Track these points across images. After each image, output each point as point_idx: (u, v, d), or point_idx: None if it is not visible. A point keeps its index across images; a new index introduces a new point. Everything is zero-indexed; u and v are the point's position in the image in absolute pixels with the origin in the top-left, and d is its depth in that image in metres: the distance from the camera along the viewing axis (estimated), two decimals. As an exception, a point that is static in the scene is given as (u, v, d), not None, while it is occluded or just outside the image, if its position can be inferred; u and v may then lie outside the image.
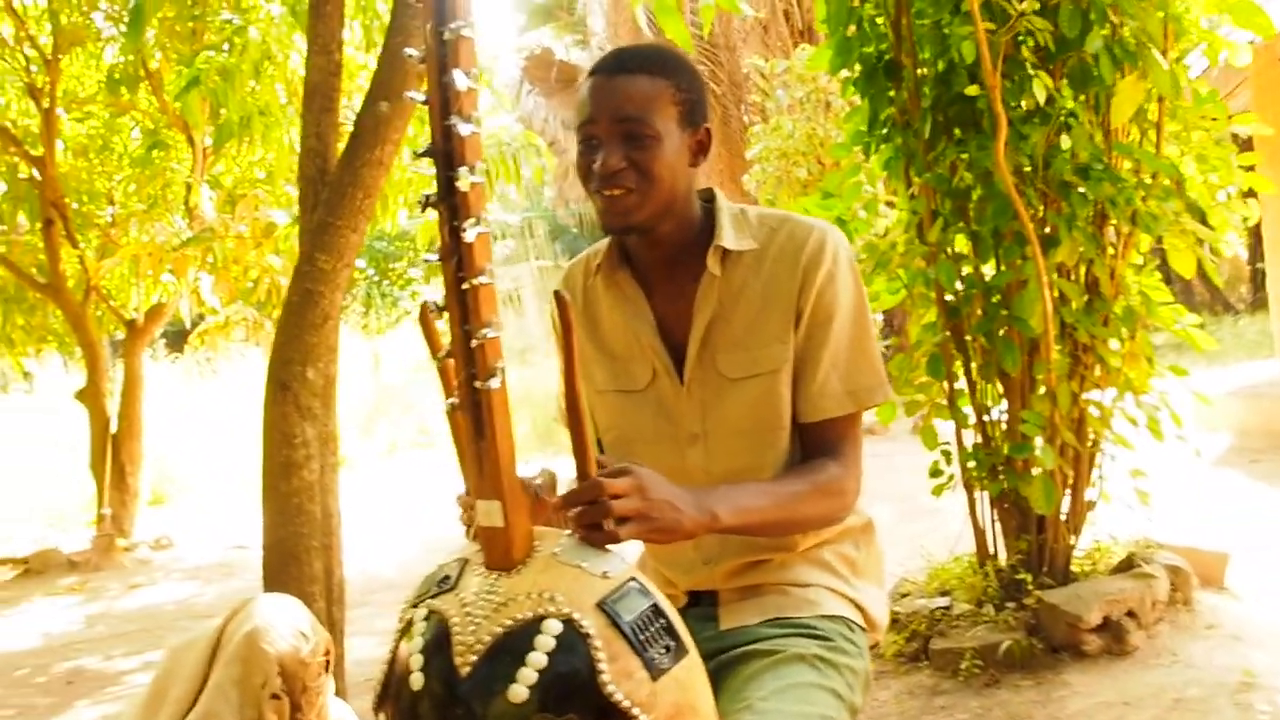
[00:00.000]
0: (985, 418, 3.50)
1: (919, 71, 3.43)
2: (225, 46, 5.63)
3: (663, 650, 1.18)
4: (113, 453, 7.50)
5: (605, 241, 1.68)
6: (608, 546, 1.26)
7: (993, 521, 3.56)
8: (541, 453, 10.45)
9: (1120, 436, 3.51)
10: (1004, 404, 3.50)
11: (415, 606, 1.27)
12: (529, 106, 16.37)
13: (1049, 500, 3.23)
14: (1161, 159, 3.23)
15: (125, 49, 6.76)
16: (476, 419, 1.21)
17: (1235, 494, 5.44)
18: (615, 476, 1.27)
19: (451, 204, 1.18)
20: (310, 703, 1.49)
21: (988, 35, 2.98)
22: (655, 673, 1.16)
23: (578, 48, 16.90)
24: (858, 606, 1.60)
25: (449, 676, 1.17)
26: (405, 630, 1.26)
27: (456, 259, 1.19)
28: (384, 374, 13.65)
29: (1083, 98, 3.27)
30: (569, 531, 1.28)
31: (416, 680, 1.19)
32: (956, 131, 3.43)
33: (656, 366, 1.61)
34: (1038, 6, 3.00)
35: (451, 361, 1.22)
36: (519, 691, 1.12)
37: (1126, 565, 3.49)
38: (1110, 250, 3.38)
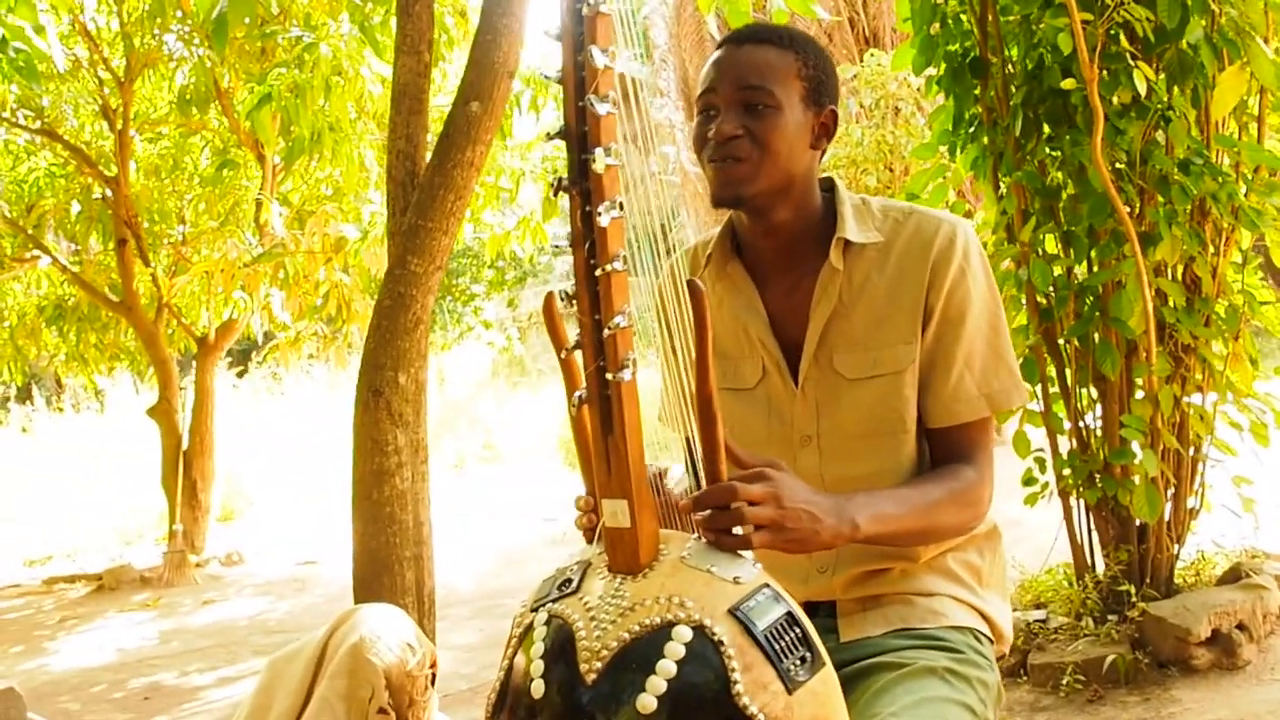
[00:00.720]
0: (1080, 423, 3.39)
1: (1006, 68, 3.34)
2: (296, 63, 5.66)
3: (798, 661, 1.11)
4: (184, 469, 7.56)
5: (716, 231, 1.61)
6: (739, 552, 1.19)
7: (1088, 531, 3.44)
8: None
9: (1222, 442, 3.38)
10: (1098, 409, 3.39)
11: (535, 610, 1.21)
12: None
13: (1153, 508, 3.11)
14: (1265, 152, 3.11)
15: (196, 70, 6.84)
16: (605, 413, 1.15)
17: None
18: (751, 480, 1.20)
19: (584, 188, 1.13)
20: (416, 717, 1.43)
21: (1084, 27, 2.88)
22: (791, 685, 1.09)
23: (637, 62, 16.84)
24: (984, 617, 1.52)
25: (573, 685, 1.11)
26: (524, 636, 1.20)
27: (589, 245, 1.13)
28: (449, 390, 13.70)
29: (1180, 90, 3.15)
30: (696, 535, 1.21)
31: (537, 688, 1.13)
32: (1046, 128, 3.33)
33: (768, 364, 1.54)
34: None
35: (578, 354, 1.17)
36: (647, 702, 1.06)
37: (1233, 576, 3.35)
38: (1211, 248, 3.25)
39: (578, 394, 1.18)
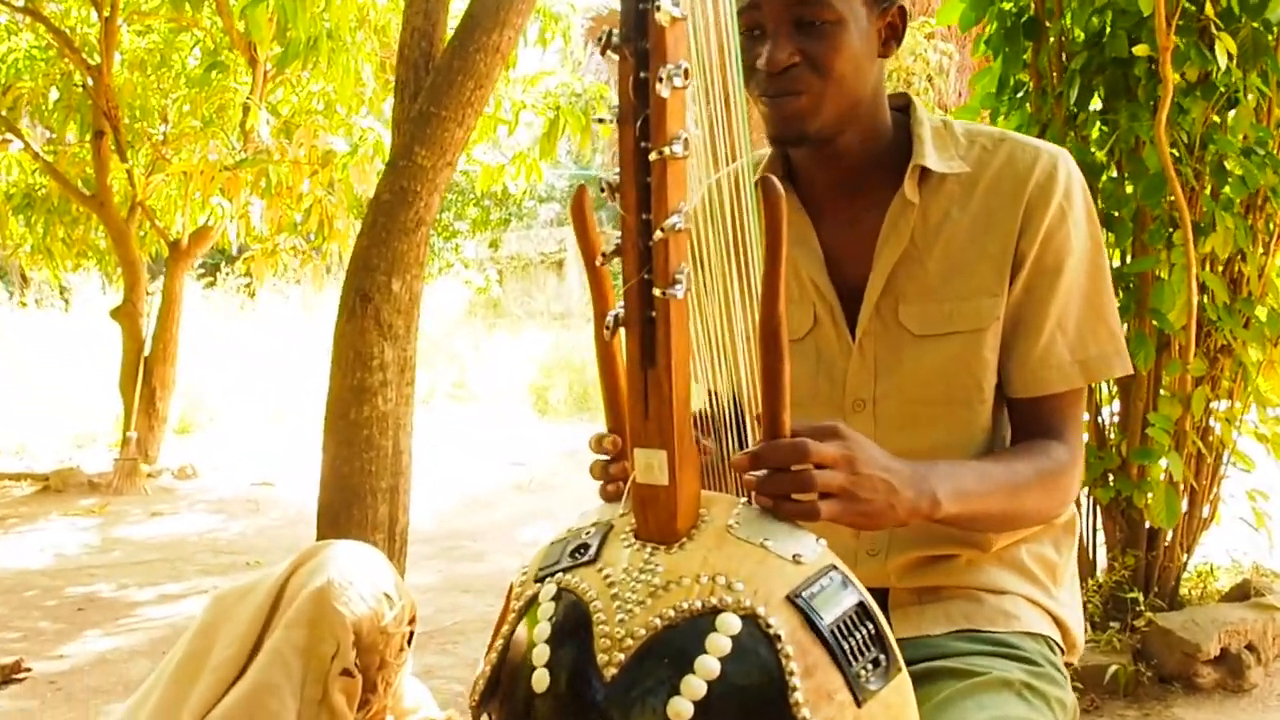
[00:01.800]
0: (1098, 418, 3.18)
1: (1063, 33, 3.10)
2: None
3: (870, 665, 0.89)
4: (144, 375, 7.27)
5: (764, 151, 1.37)
6: (798, 523, 0.97)
7: (1093, 531, 3.26)
8: (578, 419, 10.21)
9: (1242, 454, 3.19)
10: (1116, 404, 3.19)
11: (540, 581, 0.98)
12: (590, 70, 16.04)
13: (1171, 514, 2.92)
14: (1337, 148, 2.89)
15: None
16: (648, 339, 0.92)
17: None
18: (821, 438, 0.98)
19: (641, 46, 0.89)
20: (387, 682, 1.19)
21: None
22: (861, 695, 0.87)
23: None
24: (1058, 623, 1.30)
25: (587, 677, 0.88)
26: (525, 611, 0.97)
27: (641, 121, 0.89)
28: (423, 323, 13.41)
29: (1248, 73, 2.92)
30: (745, 499, 0.99)
31: (540, 679, 0.90)
32: (1096, 100, 3.10)
33: (819, 312, 1.30)
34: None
35: (614, 265, 0.94)
36: (682, 708, 0.84)
37: (1241, 593, 3.18)
38: (1260, 247, 3.05)
39: (612, 313, 0.95)
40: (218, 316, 11.62)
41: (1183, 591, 3.23)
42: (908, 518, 1.03)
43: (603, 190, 0.92)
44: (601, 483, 1.06)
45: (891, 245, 1.26)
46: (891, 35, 1.24)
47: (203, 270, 12.65)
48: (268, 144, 6.45)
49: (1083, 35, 3.08)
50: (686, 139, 0.88)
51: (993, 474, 1.15)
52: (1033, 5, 3.16)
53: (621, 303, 0.93)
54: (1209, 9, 2.71)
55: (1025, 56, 3.22)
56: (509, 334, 13.32)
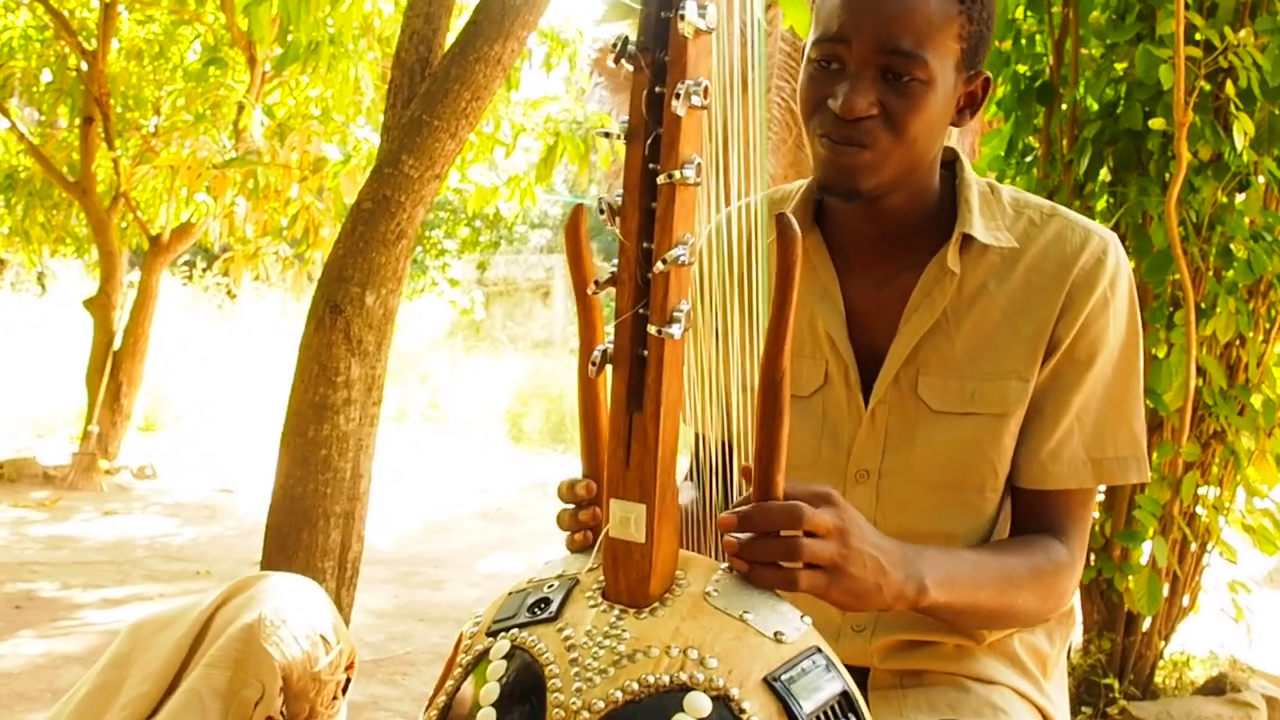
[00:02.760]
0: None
1: (1078, 100, 3.04)
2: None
3: (853, 766, 0.80)
4: (111, 369, 7.11)
5: (795, 185, 1.28)
6: (778, 593, 0.87)
7: (1069, 612, 3.16)
8: (552, 450, 10.08)
9: (1226, 544, 3.11)
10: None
11: (493, 634, 0.88)
12: (594, 99, 16.04)
13: (1153, 600, 2.82)
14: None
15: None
16: (637, 380, 0.83)
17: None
18: (815, 505, 0.88)
19: (659, 58, 0.80)
20: None
21: (1187, 64, 2.57)
22: (837, 794, 0.78)
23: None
24: (1045, 719, 1.20)
25: (535, 750, 0.79)
26: (475, 666, 0.87)
27: (652, 139, 0.80)
28: (401, 339, 13.28)
29: (1262, 156, 2.87)
30: (724, 565, 0.89)
31: (482, 744, 0.80)
32: (1105, 170, 3.04)
33: (832, 371, 1.20)
34: (1253, 39, 2.60)
35: (605, 296, 0.85)
36: (639, 797, 0.74)
37: (1217, 686, 3.08)
38: (1261, 333, 2.98)
39: (600, 348, 0.85)
40: (195, 316, 11.47)
41: (1157, 680, 3.13)
42: (893, 602, 0.94)
43: (602, 213, 0.83)
44: (569, 531, 0.96)
45: (922, 313, 1.16)
46: (969, 104, 1.16)
47: (183, 268, 12.51)
48: (259, 145, 6.34)
49: (1096, 106, 3.02)
50: (700, 164, 0.79)
51: (985, 567, 1.06)
52: (1048, 70, 3.11)
53: (611, 337, 0.84)
54: (1229, 88, 2.65)
55: (1037, 121, 3.16)
56: (489, 358, 13.20)
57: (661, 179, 0.78)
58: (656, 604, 0.84)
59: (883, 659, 1.18)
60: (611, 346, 0.84)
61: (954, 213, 1.18)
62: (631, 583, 0.84)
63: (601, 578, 0.88)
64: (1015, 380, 1.14)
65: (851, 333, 1.20)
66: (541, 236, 22.63)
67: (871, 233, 1.19)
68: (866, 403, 1.18)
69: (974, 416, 1.15)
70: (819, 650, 0.83)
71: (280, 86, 7.29)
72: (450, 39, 2.60)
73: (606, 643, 0.82)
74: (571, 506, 0.95)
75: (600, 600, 0.86)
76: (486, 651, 0.87)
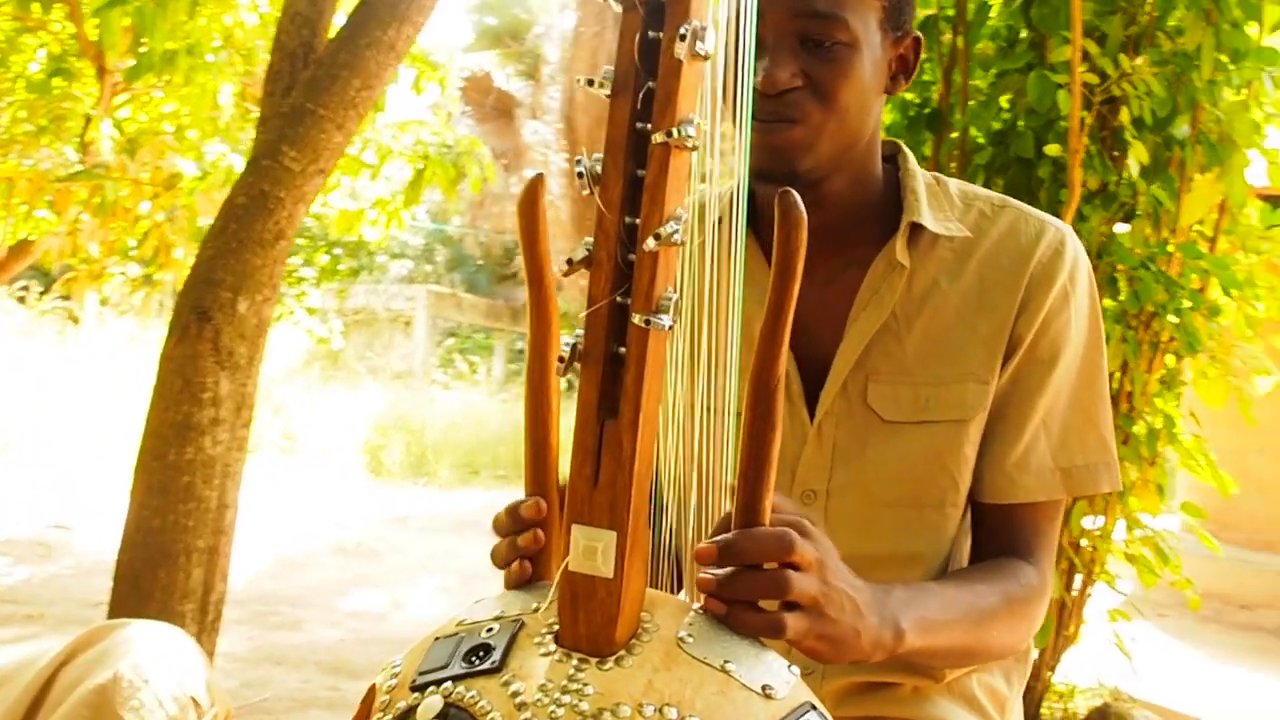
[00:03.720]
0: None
1: (968, 129, 3.04)
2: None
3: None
4: (-64, 396, 6.59)
5: (724, 188, 1.17)
6: (759, 639, 0.75)
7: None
8: (412, 483, 9.80)
9: (1107, 573, 3.12)
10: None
11: (419, 689, 0.73)
12: (460, 129, 15.85)
13: (1044, 632, 2.81)
14: (1228, 271, 2.88)
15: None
16: (610, 381, 0.70)
17: (1215, 654, 5.07)
18: (800, 533, 0.77)
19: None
20: None
21: (1083, 92, 2.58)
22: None
23: (519, 78, 16.48)
24: (1010, 763, 1.11)
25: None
26: (398, 723, 0.72)
27: (644, 93, 0.67)
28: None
29: (1152, 185, 2.90)
30: (697, 605, 0.77)
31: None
32: (993, 202, 3.04)
33: None
34: (1147, 65, 2.61)
35: (582, 278, 0.71)
36: None
37: (1100, 716, 3.08)
38: (1144, 363, 3.01)
39: (569, 341, 0.72)
40: (33, 341, 10.79)
41: (1044, 711, 3.12)
42: (870, 651, 0.83)
43: (580, 177, 0.69)
44: (507, 561, 0.81)
45: (870, 312, 1.07)
46: (901, 69, 1.09)
47: (19, 290, 11.77)
48: (108, 159, 5.98)
49: (981, 137, 3.03)
50: (699, 125, 0.67)
51: (956, 601, 0.96)
52: (936, 98, 3.11)
53: (579, 331, 0.71)
54: (1124, 115, 2.66)
55: (925, 150, 3.15)
56: (346, 388, 12.81)
57: (657, 138, 0.65)
58: (623, 652, 0.71)
59: (836, 704, 1.07)
60: (580, 340, 0.70)
61: (899, 205, 1.10)
62: (594, 626, 0.71)
63: (553, 619, 0.74)
64: (973, 383, 1.06)
65: (792, 339, 1.09)
66: (403, 266, 22.24)
67: (811, 225, 1.09)
68: (812, 416, 1.08)
69: (930, 425, 1.06)
70: (813, 708, 0.71)
71: (132, 100, 6.92)
72: (338, 22, 2.43)
73: (566, 699, 0.68)
74: (509, 537, 0.81)
75: (554, 647, 0.72)
76: (413, 710, 0.72)
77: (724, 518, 0.77)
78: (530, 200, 0.75)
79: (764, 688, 0.70)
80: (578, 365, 0.70)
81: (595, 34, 12.23)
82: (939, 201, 1.11)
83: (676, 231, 0.66)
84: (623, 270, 0.68)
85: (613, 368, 0.69)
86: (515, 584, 0.80)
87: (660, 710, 0.67)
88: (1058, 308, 1.06)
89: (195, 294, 2.22)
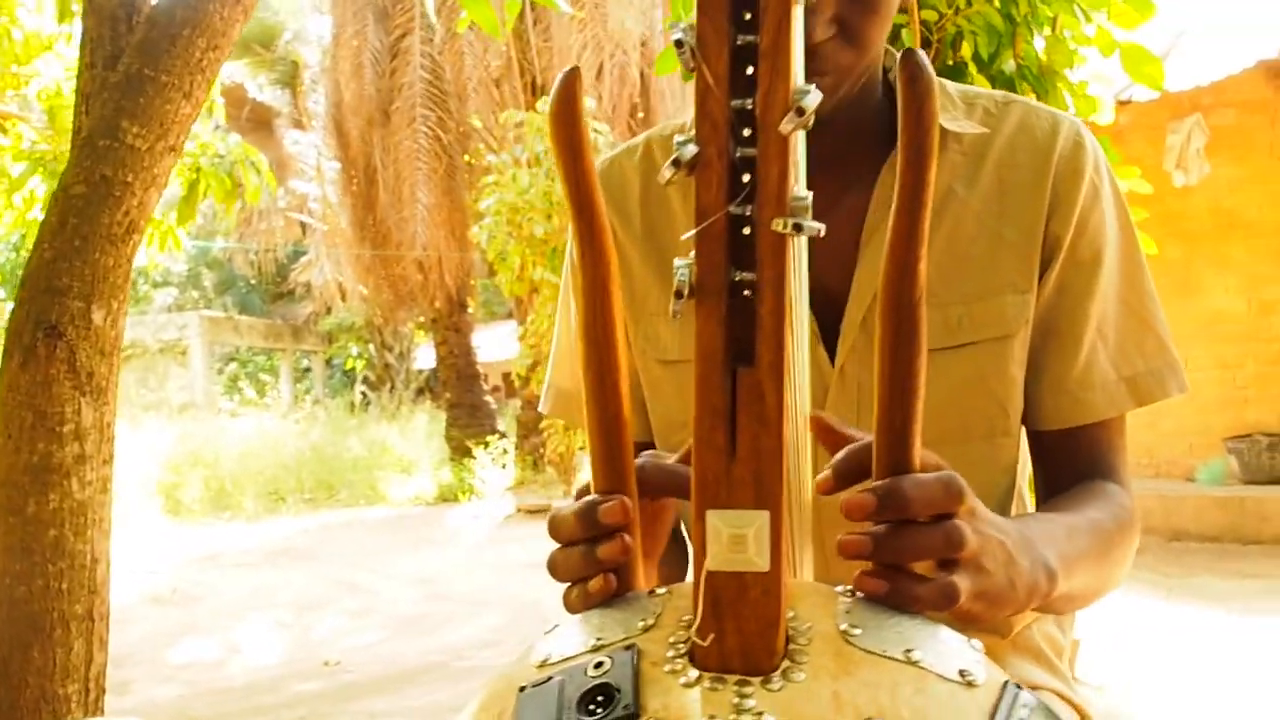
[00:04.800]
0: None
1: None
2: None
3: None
4: None
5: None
6: (926, 613, 0.60)
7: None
8: (215, 519, 9.24)
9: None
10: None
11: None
12: (235, 139, 15.14)
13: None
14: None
15: None
16: (741, 317, 0.53)
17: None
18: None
19: None
20: None
21: (922, 28, 2.54)
22: None
23: (275, 87, 15.79)
24: (1079, 712, 1.01)
25: None
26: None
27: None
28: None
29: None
30: (840, 587, 0.61)
31: None
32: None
33: None
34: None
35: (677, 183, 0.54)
36: None
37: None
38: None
39: (683, 266, 0.54)
40: None
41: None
42: (1025, 601, 0.70)
43: (679, 47, 0.52)
44: (582, 576, 0.63)
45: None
46: None
47: None
48: None
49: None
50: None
51: (1081, 532, 0.84)
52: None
53: (688, 259, 0.53)
54: (965, 50, 2.64)
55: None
56: (129, 427, 12.00)
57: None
58: (787, 663, 0.55)
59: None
60: (689, 271, 0.53)
61: (894, 115, 0.96)
62: (749, 635, 0.54)
63: (674, 636, 0.57)
64: (1011, 294, 0.94)
65: None
66: (168, 295, 21.11)
67: (811, 156, 0.96)
68: (833, 359, 0.94)
69: (967, 348, 0.94)
70: (1015, 685, 0.57)
71: None
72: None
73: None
74: (582, 545, 0.63)
75: (695, 672, 0.55)
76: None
77: (846, 456, 0.62)
78: (567, 101, 0.57)
79: (961, 673, 0.55)
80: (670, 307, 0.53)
81: (356, 33, 11.77)
82: (940, 102, 0.99)
83: (813, 104, 0.50)
84: (736, 168, 0.52)
85: (741, 301, 0.52)
86: (595, 602, 0.62)
87: (864, 725, 0.51)
88: (1090, 204, 0.96)
89: (37, 305, 1.86)
